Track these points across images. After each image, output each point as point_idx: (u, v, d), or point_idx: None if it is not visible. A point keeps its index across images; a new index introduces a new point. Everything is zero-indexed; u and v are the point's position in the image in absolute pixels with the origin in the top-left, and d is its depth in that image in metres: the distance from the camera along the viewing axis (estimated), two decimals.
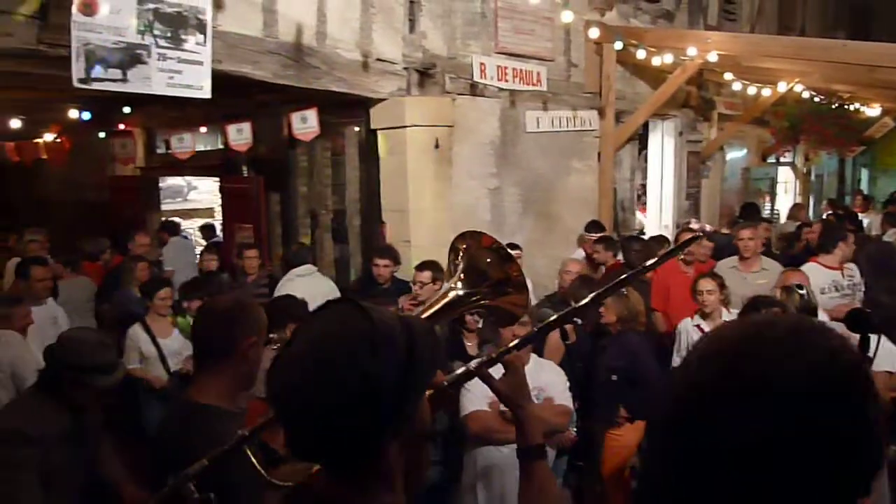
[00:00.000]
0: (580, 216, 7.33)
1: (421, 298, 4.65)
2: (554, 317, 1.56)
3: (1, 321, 4.06)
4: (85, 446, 2.78)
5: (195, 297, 4.81)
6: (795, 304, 3.77)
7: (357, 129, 6.31)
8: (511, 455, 3.16)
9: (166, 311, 4.92)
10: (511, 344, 1.50)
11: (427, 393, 1.25)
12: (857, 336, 1.86)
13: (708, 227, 8.24)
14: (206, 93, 4.43)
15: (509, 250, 5.26)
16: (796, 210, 10.61)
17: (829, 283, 5.07)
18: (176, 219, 9.44)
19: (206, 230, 9.22)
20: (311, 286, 4.95)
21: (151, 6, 4.19)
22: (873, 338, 1.81)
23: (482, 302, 1.58)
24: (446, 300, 1.52)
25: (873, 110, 11.56)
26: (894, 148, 16.18)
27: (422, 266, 4.93)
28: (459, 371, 1.46)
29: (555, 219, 7.17)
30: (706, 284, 4.59)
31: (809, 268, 5.27)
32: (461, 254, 1.56)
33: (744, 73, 8.47)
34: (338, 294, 5.53)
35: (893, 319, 3.93)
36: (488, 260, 1.53)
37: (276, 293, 5.11)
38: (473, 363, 1.46)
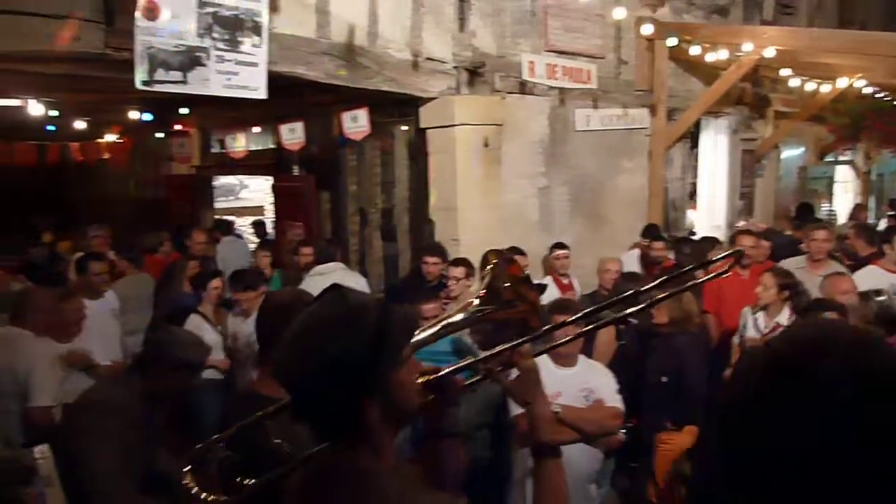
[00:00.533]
0: (629, 216, 7.25)
1: (454, 294, 4.68)
2: (608, 318, 1.58)
3: (52, 315, 4.22)
4: (153, 433, 2.91)
5: (242, 290, 4.90)
6: (874, 311, 3.64)
7: (405, 128, 6.36)
8: (567, 457, 3.16)
9: (218, 301, 5.08)
10: (517, 341, 1.55)
11: (420, 378, 1.41)
12: None
13: (762, 226, 8.04)
14: (261, 93, 4.53)
15: (557, 249, 5.26)
16: (857, 211, 10.26)
17: (889, 286, 4.90)
18: (229, 217, 9.69)
19: (258, 227, 9.42)
20: (333, 282, 4.97)
21: (210, 10, 4.31)
22: None
23: (490, 315, 1.65)
24: (456, 314, 1.62)
25: None
26: None
27: (456, 262, 5.02)
28: (461, 363, 1.54)
29: (603, 218, 7.10)
30: (767, 281, 4.52)
31: (870, 271, 5.11)
32: (490, 273, 1.63)
33: (802, 68, 8.23)
34: (365, 289, 5.63)
35: None
36: (507, 284, 1.60)
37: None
38: (481, 355, 1.57)
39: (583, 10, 6.60)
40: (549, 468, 1.54)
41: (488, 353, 1.58)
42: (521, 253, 5.36)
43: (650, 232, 6.54)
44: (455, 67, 5.82)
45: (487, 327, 3.46)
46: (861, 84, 8.74)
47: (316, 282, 5.34)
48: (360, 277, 5.84)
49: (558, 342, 1.80)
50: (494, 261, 1.64)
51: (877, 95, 9.34)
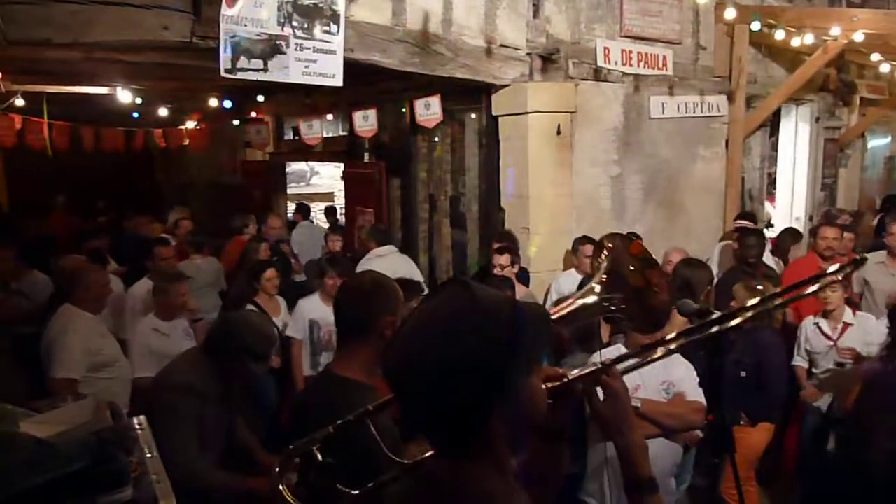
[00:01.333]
0: (705, 205, 7.05)
1: None
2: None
3: (159, 296, 4.46)
4: (230, 411, 3.03)
5: (338, 274, 4.84)
6: None
7: (475, 115, 6.36)
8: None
9: (274, 291, 5.07)
10: (612, 361, 1.40)
11: (548, 384, 1.28)
12: None
13: (847, 217, 7.69)
14: (338, 81, 4.61)
15: (683, 252, 5.04)
16: None
17: None
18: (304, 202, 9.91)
19: (330, 213, 9.61)
20: (389, 266, 4.98)
21: None
22: None
23: (616, 308, 1.52)
24: (581, 302, 1.48)
25: None
26: None
27: (500, 250, 5.01)
28: (589, 369, 1.40)
29: (678, 208, 6.93)
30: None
31: None
32: (606, 253, 1.50)
33: (893, 53, 7.79)
34: (417, 274, 5.65)
35: None
36: (631, 267, 1.45)
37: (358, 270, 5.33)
38: (573, 373, 1.38)
39: None
40: None
41: (588, 369, 1.40)
42: (592, 241, 5.29)
43: (744, 217, 6.34)
44: (528, 54, 5.77)
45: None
46: None
47: (374, 264, 5.45)
48: (409, 262, 5.90)
49: (660, 353, 1.53)
50: (610, 245, 1.48)
51: None
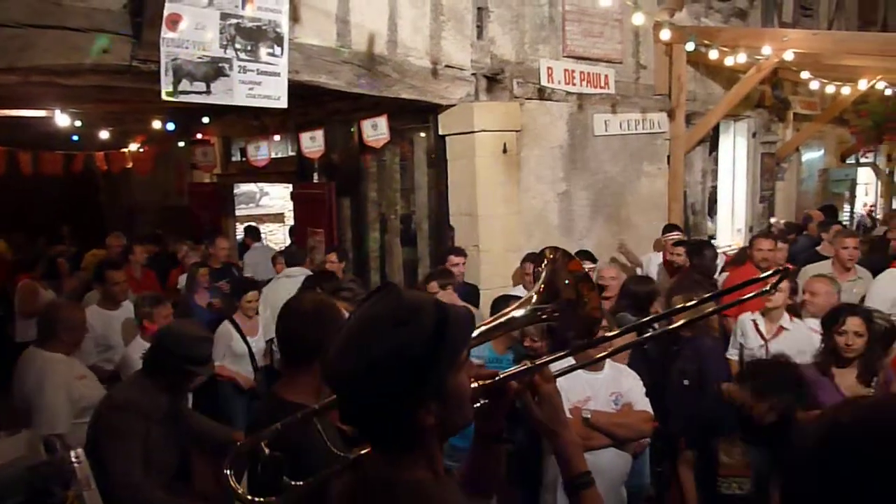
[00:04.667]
0: (651, 220, 7.23)
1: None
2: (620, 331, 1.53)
3: (144, 319, 4.46)
4: (177, 428, 2.97)
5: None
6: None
7: (424, 134, 6.41)
8: (594, 461, 3.16)
9: (253, 313, 5.08)
10: (544, 360, 1.45)
11: (479, 382, 1.35)
12: None
13: (774, 219, 7.99)
14: (282, 103, 4.59)
15: (616, 268, 5.13)
16: (890, 216, 10.12)
17: None
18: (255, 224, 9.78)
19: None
20: (296, 287, 4.99)
21: (233, 21, 4.38)
22: None
23: (547, 317, 1.55)
24: (517, 311, 1.52)
25: None
26: None
27: (429, 277, 5.07)
28: (520, 367, 1.43)
29: (625, 223, 7.09)
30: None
31: (892, 273, 5.07)
32: (546, 264, 1.55)
33: (822, 71, 8.17)
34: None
35: None
36: (567, 281, 1.50)
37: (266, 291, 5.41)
38: (503, 372, 1.42)
39: (601, 15, 6.61)
40: (588, 500, 1.41)
41: (518, 367, 1.44)
42: (592, 258, 5.37)
43: (671, 229, 6.51)
44: (474, 74, 5.86)
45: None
46: (882, 86, 8.67)
47: (281, 284, 5.56)
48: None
49: (598, 356, 1.63)
50: (551, 256, 1.53)
51: None
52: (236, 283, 5.48)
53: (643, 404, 3.18)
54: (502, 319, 1.51)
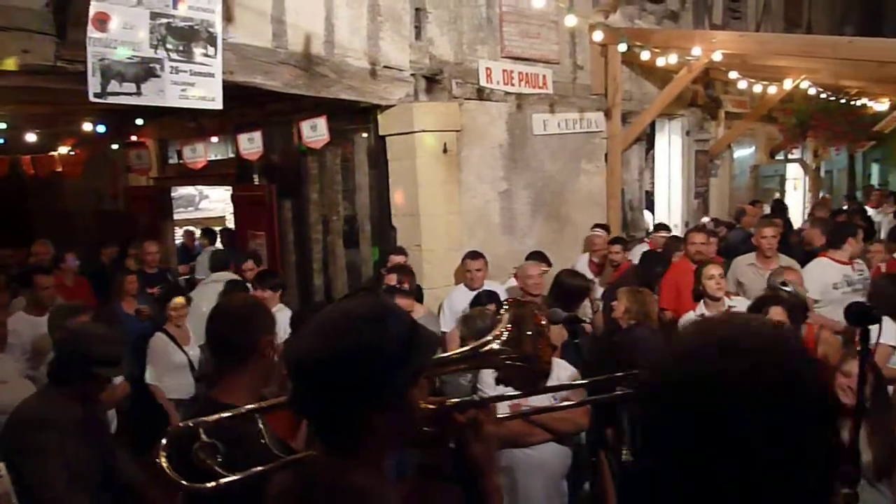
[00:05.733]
0: (591, 217, 7.38)
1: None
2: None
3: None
4: (96, 437, 2.85)
5: (265, 289, 4.85)
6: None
7: (366, 135, 6.39)
8: (535, 455, 3.21)
9: (182, 321, 4.86)
10: (489, 397, 1.47)
11: (428, 404, 1.33)
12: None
13: (706, 219, 8.26)
14: (217, 104, 4.52)
15: (540, 266, 5.14)
16: (819, 205, 10.59)
17: (841, 278, 5.09)
18: (191, 228, 9.57)
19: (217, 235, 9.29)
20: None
21: (164, 21, 4.28)
22: (873, 330, 1.86)
23: (502, 364, 1.58)
24: (476, 348, 1.55)
25: (882, 105, 11.53)
26: None
27: (391, 269, 5.09)
28: (471, 398, 1.46)
29: (565, 220, 7.22)
30: (713, 270, 4.57)
31: (820, 263, 5.30)
32: (512, 312, 1.57)
33: (750, 70, 8.49)
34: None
35: None
36: (528, 332, 1.53)
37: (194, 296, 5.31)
38: (451, 401, 1.41)
39: (538, 16, 6.71)
40: None
41: (460, 400, 1.43)
42: (480, 256, 5.42)
43: (600, 227, 6.69)
44: (413, 75, 5.88)
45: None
46: (806, 85, 9.07)
47: (207, 289, 5.47)
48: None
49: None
50: (518, 307, 1.57)
51: (822, 96, 9.69)
52: (165, 290, 5.33)
53: (581, 397, 3.23)
54: (456, 355, 1.55)
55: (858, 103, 10.60)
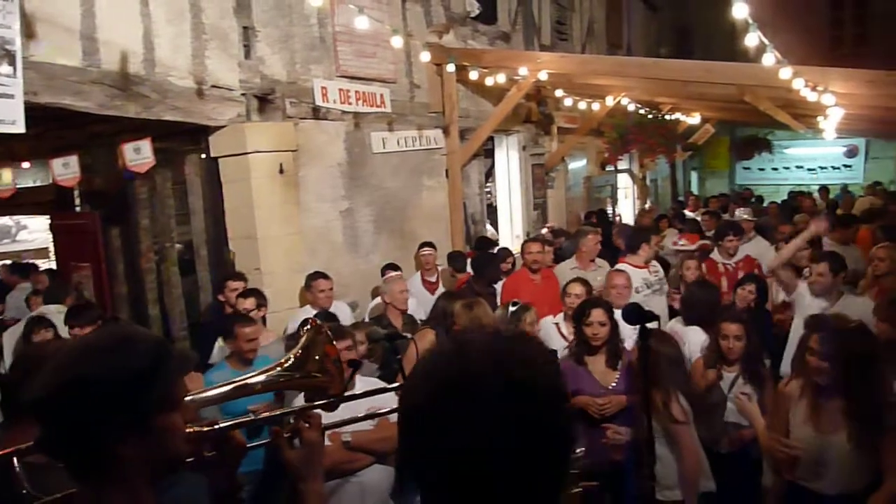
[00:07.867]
0: (434, 232, 7.54)
1: None
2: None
3: None
4: None
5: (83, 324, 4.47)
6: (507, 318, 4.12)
7: (198, 156, 6.14)
8: (366, 480, 3.19)
9: None
10: (309, 405, 1.51)
11: (192, 427, 1.31)
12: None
13: (545, 231, 8.74)
14: (19, 127, 4.15)
15: (390, 272, 5.19)
16: (641, 216, 11.52)
17: (641, 281, 5.51)
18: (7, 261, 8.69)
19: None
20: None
21: None
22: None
23: (290, 382, 1.62)
24: (256, 376, 1.55)
25: (694, 119, 12.80)
26: (717, 152, 18.00)
27: (246, 293, 4.96)
28: (240, 420, 1.45)
29: (409, 236, 7.32)
30: (576, 289, 4.76)
31: (619, 268, 5.76)
32: (305, 336, 1.59)
33: (576, 89, 9.10)
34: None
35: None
36: (317, 357, 1.56)
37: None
38: (222, 423, 1.42)
39: (372, 36, 6.78)
40: None
41: (270, 412, 1.46)
42: (326, 277, 5.39)
43: (455, 261, 6.87)
44: (244, 94, 5.73)
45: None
46: (626, 101, 9.86)
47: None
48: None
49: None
50: (313, 331, 1.59)
51: (640, 111, 10.58)
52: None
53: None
54: (236, 385, 1.51)
55: (672, 118, 11.68)
